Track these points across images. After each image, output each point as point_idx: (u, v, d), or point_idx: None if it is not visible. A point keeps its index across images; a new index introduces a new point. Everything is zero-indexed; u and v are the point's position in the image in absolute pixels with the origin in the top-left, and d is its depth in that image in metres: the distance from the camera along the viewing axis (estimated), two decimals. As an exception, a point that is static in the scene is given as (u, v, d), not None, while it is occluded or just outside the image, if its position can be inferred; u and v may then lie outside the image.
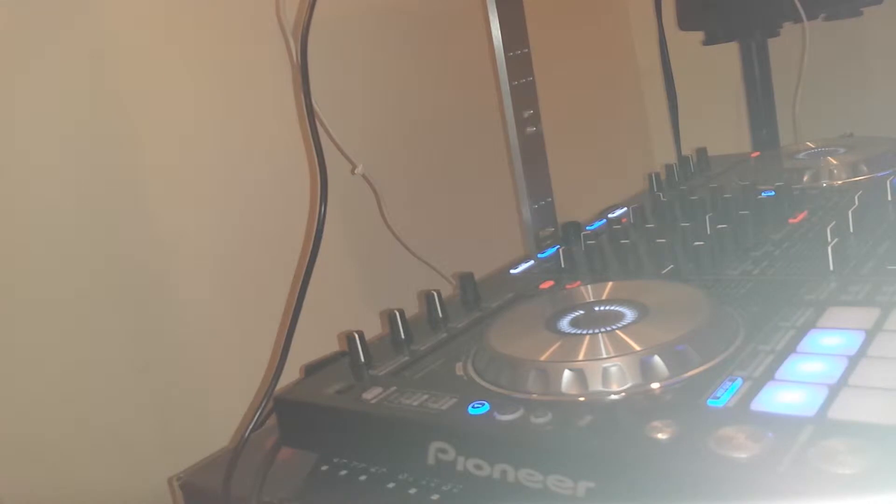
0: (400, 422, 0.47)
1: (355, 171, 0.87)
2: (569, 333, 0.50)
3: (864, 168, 0.77)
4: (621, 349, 0.46)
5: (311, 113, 0.66)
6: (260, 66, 0.85)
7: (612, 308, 0.53)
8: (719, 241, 0.64)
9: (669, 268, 0.64)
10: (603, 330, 0.49)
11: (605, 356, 0.46)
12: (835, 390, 0.40)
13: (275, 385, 0.56)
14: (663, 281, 0.61)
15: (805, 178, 0.78)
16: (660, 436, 0.39)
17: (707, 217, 0.69)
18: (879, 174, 0.75)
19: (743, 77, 1.15)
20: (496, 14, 0.77)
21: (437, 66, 1.04)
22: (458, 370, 0.52)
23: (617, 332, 0.49)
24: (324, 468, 0.51)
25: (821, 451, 0.35)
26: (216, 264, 0.81)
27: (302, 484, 0.51)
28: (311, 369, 0.57)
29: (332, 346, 0.73)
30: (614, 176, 1.29)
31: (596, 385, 0.45)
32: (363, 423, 0.49)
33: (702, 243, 0.63)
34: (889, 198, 0.68)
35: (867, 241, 0.60)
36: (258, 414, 0.54)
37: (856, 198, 0.66)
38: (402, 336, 0.59)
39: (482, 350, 0.52)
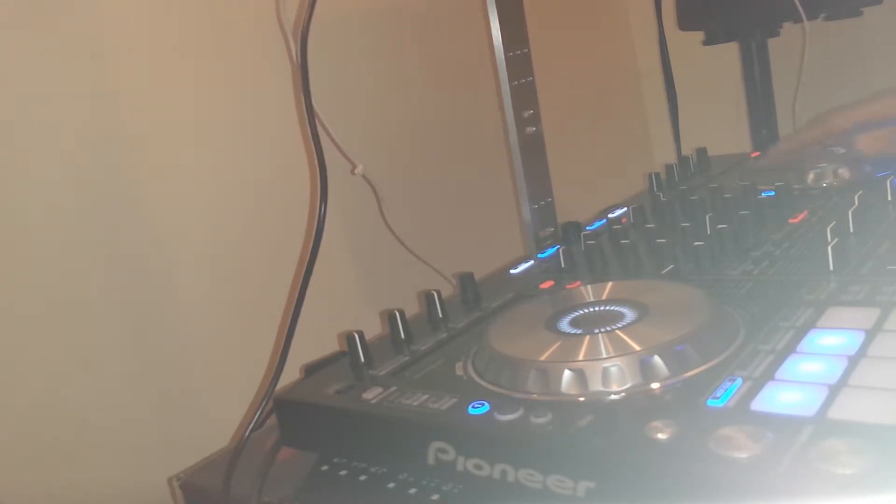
0: (400, 422, 0.47)
1: (355, 171, 0.87)
2: (569, 333, 0.50)
3: (865, 168, 0.77)
4: (621, 349, 0.46)
5: (311, 113, 0.66)
6: (260, 66, 0.85)
7: (612, 308, 0.53)
8: (719, 241, 0.64)
9: (669, 268, 0.64)
10: (603, 330, 0.49)
11: (605, 356, 0.46)
12: (835, 390, 0.40)
13: (275, 385, 0.56)
14: (663, 281, 0.61)
15: (805, 178, 0.78)
16: (660, 436, 0.39)
17: (707, 217, 0.69)
18: (879, 174, 0.75)
19: (743, 77, 1.15)
20: (496, 14, 0.77)
21: (437, 66, 1.04)
22: (458, 370, 0.52)
23: (617, 332, 0.49)
24: (324, 468, 0.51)
25: (821, 451, 0.35)
26: (216, 264, 0.81)
27: (302, 484, 0.51)
28: (311, 369, 0.57)
29: (332, 346, 0.73)
30: (614, 176, 1.29)
31: (596, 385, 0.45)
32: (363, 423, 0.49)
33: (702, 243, 0.63)
34: (889, 198, 0.68)
35: (867, 241, 0.60)
36: (258, 414, 0.54)
37: (856, 198, 0.66)
38: (402, 336, 0.59)
39: (482, 350, 0.52)
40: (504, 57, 0.78)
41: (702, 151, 0.96)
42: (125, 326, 0.74)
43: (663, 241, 0.66)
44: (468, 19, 1.04)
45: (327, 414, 0.51)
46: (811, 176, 0.78)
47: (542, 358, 0.47)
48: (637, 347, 0.46)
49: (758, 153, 0.99)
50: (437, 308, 0.62)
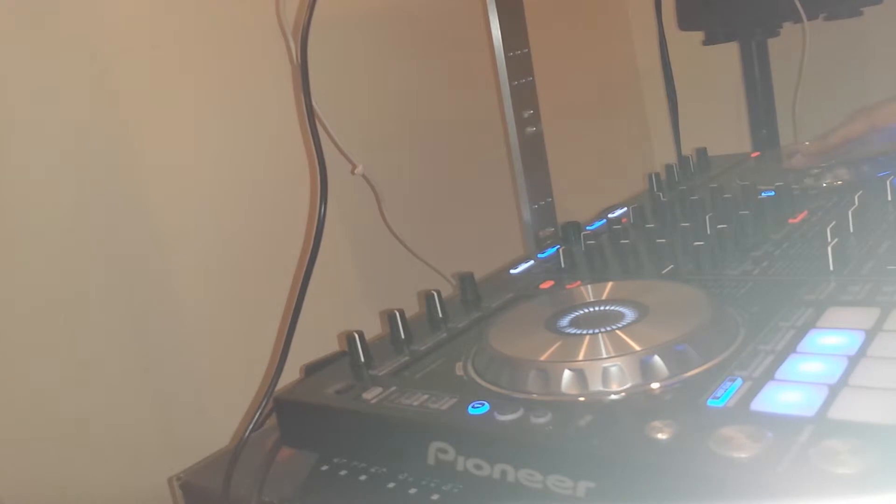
0: (400, 422, 0.47)
1: (355, 171, 0.87)
2: (569, 333, 0.50)
3: (865, 168, 0.77)
4: (621, 349, 0.46)
5: (311, 113, 0.66)
6: (260, 66, 0.85)
7: (612, 308, 0.53)
8: (719, 241, 0.64)
9: (669, 268, 0.64)
10: (603, 330, 0.49)
11: (605, 356, 0.46)
12: (835, 390, 0.40)
13: (275, 385, 0.56)
14: (663, 281, 0.61)
15: (805, 178, 0.78)
16: (660, 436, 0.39)
17: (707, 217, 0.69)
18: (879, 174, 0.75)
19: (743, 77, 1.15)
20: (496, 14, 0.78)
21: (437, 66, 1.04)
22: (458, 370, 0.52)
23: (617, 332, 0.49)
24: (324, 468, 0.51)
25: (821, 451, 0.35)
26: (216, 264, 0.81)
27: (302, 484, 0.51)
28: (311, 369, 0.57)
29: (332, 346, 0.73)
30: (614, 176, 1.29)
31: (596, 385, 0.45)
32: (363, 423, 0.49)
33: (702, 243, 0.63)
34: (889, 198, 0.68)
35: (867, 241, 0.60)
36: (258, 414, 0.54)
37: (856, 198, 0.66)
38: (402, 336, 0.59)
39: (482, 350, 0.52)
40: (504, 57, 0.78)
41: (702, 151, 0.96)
42: (125, 326, 0.74)
43: (663, 241, 0.66)
44: (468, 19, 1.04)
45: (327, 414, 0.51)
46: (810, 176, 0.78)
47: (542, 358, 0.47)
48: (637, 347, 0.46)
49: (758, 153, 0.99)
50: (437, 308, 0.62)
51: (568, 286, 0.63)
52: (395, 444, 0.48)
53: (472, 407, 0.46)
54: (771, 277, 0.57)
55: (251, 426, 0.54)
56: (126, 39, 0.74)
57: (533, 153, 0.82)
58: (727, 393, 0.42)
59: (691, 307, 0.51)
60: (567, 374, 0.46)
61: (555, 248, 0.73)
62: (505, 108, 0.80)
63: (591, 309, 0.54)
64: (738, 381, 0.43)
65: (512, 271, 0.72)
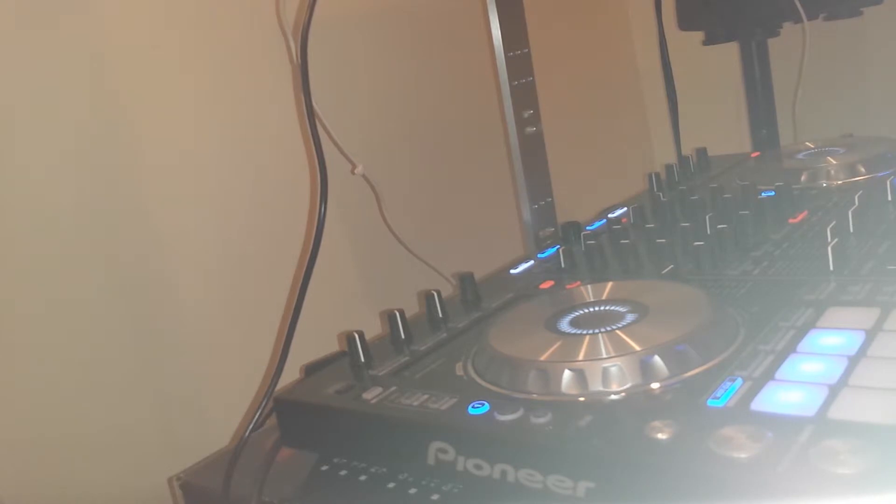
0: (400, 422, 0.47)
1: (355, 171, 0.87)
2: (569, 333, 0.50)
3: (864, 168, 0.77)
4: (621, 349, 0.46)
5: (311, 113, 0.66)
6: (260, 66, 0.85)
7: (612, 308, 0.53)
8: (719, 241, 0.64)
9: (669, 268, 0.64)
10: (603, 330, 0.49)
11: (605, 356, 0.46)
12: (835, 390, 0.40)
13: (275, 385, 0.56)
14: (663, 281, 0.61)
15: (805, 178, 0.78)
16: (660, 436, 0.39)
17: (707, 217, 0.69)
18: (879, 174, 0.75)
19: (743, 77, 1.15)
20: (496, 14, 0.78)
21: (438, 66, 1.04)
22: (458, 370, 0.52)
23: (617, 332, 0.49)
24: (324, 468, 0.51)
25: (821, 451, 0.35)
26: (216, 264, 0.81)
27: (302, 484, 0.51)
28: (311, 369, 0.57)
29: (332, 346, 0.73)
30: (614, 176, 1.29)
31: (596, 385, 0.45)
32: (363, 423, 0.49)
33: (702, 243, 0.63)
34: (889, 198, 0.68)
35: (867, 241, 0.60)
36: (258, 414, 0.54)
37: (856, 198, 0.66)
38: (402, 336, 0.59)
39: (482, 350, 0.52)
40: (504, 57, 0.78)
41: (702, 151, 0.96)
42: (125, 327, 0.74)
43: (663, 241, 0.66)
44: (468, 19, 1.04)
45: (327, 414, 0.51)
46: (809, 176, 0.78)
47: (542, 358, 0.47)
48: (637, 347, 0.46)
49: (758, 153, 0.99)
50: (437, 308, 0.62)
51: (568, 286, 0.63)
52: (395, 444, 0.48)
53: (472, 407, 0.46)
54: (771, 277, 0.57)
55: (251, 426, 0.54)
56: (126, 39, 0.74)
57: (533, 153, 0.82)
58: (727, 393, 0.42)
59: (691, 307, 0.51)
60: (567, 374, 0.46)
61: (555, 248, 0.73)
62: (505, 108, 0.80)
63: (591, 309, 0.54)
64: (738, 381, 0.43)
65: (512, 271, 0.72)
